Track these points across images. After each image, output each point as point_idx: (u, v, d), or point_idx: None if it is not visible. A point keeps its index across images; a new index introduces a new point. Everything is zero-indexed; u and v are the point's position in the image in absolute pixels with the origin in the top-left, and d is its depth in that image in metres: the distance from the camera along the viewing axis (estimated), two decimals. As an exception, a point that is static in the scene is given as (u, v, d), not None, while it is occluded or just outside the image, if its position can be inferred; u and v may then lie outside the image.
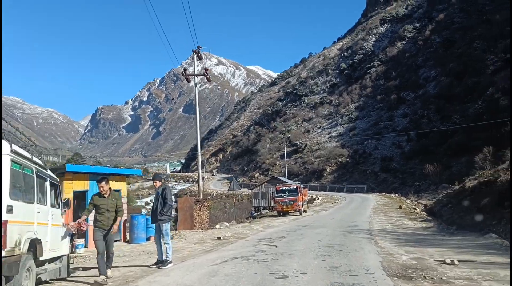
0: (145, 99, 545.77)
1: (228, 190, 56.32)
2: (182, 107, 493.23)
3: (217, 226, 21.76)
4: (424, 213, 25.36)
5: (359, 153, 68.56)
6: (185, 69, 24.58)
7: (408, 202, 36.38)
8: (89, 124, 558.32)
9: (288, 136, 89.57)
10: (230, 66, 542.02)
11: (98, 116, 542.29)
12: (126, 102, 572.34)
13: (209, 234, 17.04)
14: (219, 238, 14.80)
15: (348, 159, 68.59)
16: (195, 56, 24.64)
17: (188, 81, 25.23)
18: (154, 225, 9.33)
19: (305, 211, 29.00)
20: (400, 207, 29.73)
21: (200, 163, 25.59)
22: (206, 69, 25.70)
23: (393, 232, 15.20)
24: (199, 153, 25.80)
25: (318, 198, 47.94)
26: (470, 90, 59.03)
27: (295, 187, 28.35)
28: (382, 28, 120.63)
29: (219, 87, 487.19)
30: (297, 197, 26.82)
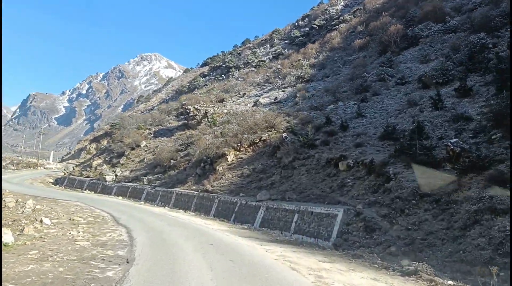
0: (84, 92, 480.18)
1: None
2: (122, 105, 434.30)
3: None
4: None
5: (316, 125, 25.51)
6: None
7: None
8: (18, 110, 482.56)
9: (183, 102, 45.74)
10: (179, 71, 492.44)
11: (29, 102, 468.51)
12: (63, 93, 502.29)
13: None
14: None
15: (285, 135, 25.15)
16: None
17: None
18: None
19: None
20: None
21: None
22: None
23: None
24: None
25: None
26: None
27: None
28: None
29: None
30: None
